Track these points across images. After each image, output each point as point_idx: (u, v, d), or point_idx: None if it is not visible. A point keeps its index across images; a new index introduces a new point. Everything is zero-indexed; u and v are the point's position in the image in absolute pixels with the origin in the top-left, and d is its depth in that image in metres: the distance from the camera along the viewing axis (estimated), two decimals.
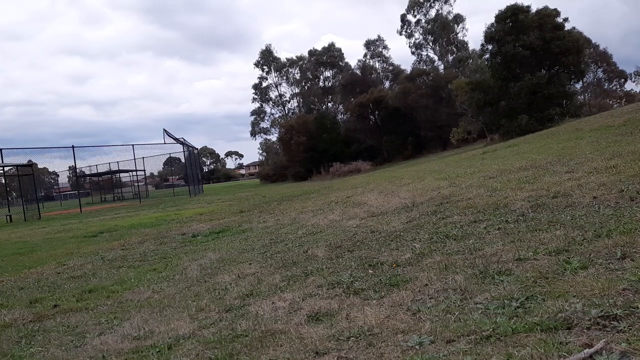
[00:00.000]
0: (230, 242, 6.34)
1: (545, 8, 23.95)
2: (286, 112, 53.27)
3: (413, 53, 47.69)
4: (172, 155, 39.38)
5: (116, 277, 4.87)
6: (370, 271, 3.34)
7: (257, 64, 52.19)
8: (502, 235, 3.54)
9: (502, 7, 24.79)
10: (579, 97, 32.54)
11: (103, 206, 24.49)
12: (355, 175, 26.40)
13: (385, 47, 48.94)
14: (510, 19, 23.95)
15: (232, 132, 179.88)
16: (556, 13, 23.88)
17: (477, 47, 32.39)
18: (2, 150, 18.42)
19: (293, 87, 52.90)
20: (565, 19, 24.08)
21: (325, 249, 4.44)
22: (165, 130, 25.55)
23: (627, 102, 33.04)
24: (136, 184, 33.99)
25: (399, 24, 48.83)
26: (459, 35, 45.52)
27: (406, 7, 45.68)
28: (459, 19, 44.87)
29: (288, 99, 53.34)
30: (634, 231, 2.81)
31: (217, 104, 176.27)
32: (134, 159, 26.38)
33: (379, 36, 49.84)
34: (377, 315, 2.38)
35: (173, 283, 4.22)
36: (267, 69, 52.16)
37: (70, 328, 3.22)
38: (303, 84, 52.27)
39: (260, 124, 53.66)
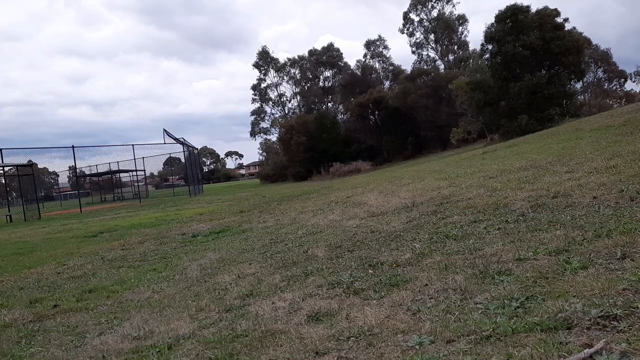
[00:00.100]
0: (230, 242, 6.34)
1: (545, 8, 23.96)
2: (286, 112, 53.31)
3: (414, 52, 47.83)
4: (172, 155, 39.43)
5: (116, 277, 4.87)
6: (370, 271, 3.34)
7: (255, 65, 52.26)
8: (502, 235, 3.54)
9: (502, 7, 24.85)
10: (579, 97, 32.57)
11: (103, 206, 24.49)
12: (355, 175, 26.41)
13: (385, 47, 49.05)
14: (510, 19, 23.95)
15: (231, 132, 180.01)
16: (556, 13, 23.89)
17: (477, 47, 32.48)
18: (2, 150, 18.43)
19: (293, 87, 52.98)
20: (566, 19, 24.13)
21: (325, 249, 4.44)
22: (165, 130, 25.58)
23: (627, 102, 33.07)
24: (136, 184, 33.99)
25: (396, 24, 49.08)
26: (461, 35, 45.61)
27: (409, 5, 45.79)
28: (461, 19, 44.93)
29: (288, 98, 53.44)
30: (634, 231, 2.81)
31: (215, 104, 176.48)
32: (134, 159, 26.40)
33: (379, 36, 50.09)
34: (377, 315, 2.38)
35: (173, 283, 4.22)
36: (265, 70, 52.19)
37: (70, 328, 3.22)
38: (303, 84, 52.30)
39: (260, 124, 53.71)
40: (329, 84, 51.38)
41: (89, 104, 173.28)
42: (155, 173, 52.31)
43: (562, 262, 2.59)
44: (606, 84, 41.26)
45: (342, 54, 50.76)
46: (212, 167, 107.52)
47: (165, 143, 26.48)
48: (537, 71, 23.71)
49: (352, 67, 48.97)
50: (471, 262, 2.98)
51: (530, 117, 22.63)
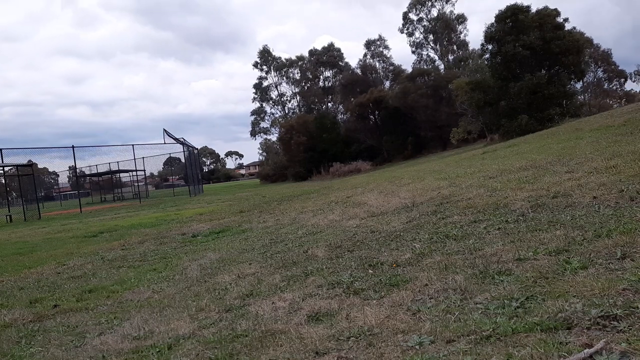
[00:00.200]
0: (230, 242, 6.34)
1: (545, 8, 23.97)
2: (286, 111, 53.32)
3: (413, 52, 47.80)
4: (172, 155, 39.43)
5: (116, 277, 4.87)
6: (370, 271, 3.34)
7: (255, 65, 52.27)
8: (502, 235, 3.54)
9: (502, 7, 24.85)
10: (579, 97, 32.55)
11: (103, 206, 24.49)
12: (355, 175, 26.41)
13: (385, 47, 48.98)
14: (510, 18, 23.95)
15: (230, 132, 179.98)
16: (556, 13, 23.89)
17: (477, 47, 32.46)
18: (2, 150, 18.43)
19: (293, 86, 52.99)
20: (566, 19, 24.13)
21: (325, 249, 4.44)
22: (165, 130, 25.58)
23: (627, 102, 33.06)
24: (136, 184, 34.00)
25: (393, 25, 49.31)
26: (460, 35, 45.61)
27: (408, 4, 45.78)
28: (460, 18, 44.93)
29: (288, 98, 53.44)
30: (634, 231, 2.81)
31: (214, 104, 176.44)
32: (134, 159, 26.40)
33: (379, 36, 50.01)
34: (377, 315, 2.38)
35: (173, 283, 4.22)
36: (266, 69, 52.21)
37: (70, 328, 3.22)
38: (303, 83, 52.30)
39: (260, 123, 53.73)
40: (329, 84, 51.38)
41: (87, 104, 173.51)
42: (155, 173, 52.32)
43: (562, 262, 2.59)
44: (606, 84, 41.25)
45: (342, 53, 50.84)
46: (212, 167, 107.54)
47: (165, 143, 26.51)
48: (537, 71, 23.72)
49: (352, 67, 49.06)
50: (471, 262, 2.98)
51: (530, 117, 22.63)
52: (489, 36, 24.99)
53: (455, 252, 3.36)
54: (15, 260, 6.88)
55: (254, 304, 3.06)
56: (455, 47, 46.32)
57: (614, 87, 41.29)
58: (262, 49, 52.04)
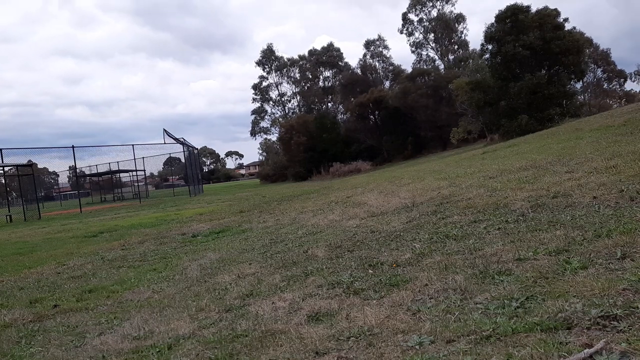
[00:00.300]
0: (230, 242, 6.34)
1: (545, 8, 23.97)
2: (286, 111, 53.31)
3: (413, 52, 47.75)
4: (172, 155, 39.45)
5: (116, 277, 4.87)
6: (370, 271, 3.34)
7: (258, 63, 52.22)
8: (502, 235, 3.54)
9: (502, 7, 24.85)
10: (579, 97, 32.55)
11: (103, 206, 24.49)
12: (355, 175, 26.41)
13: (385, 47, 48.95)
14: (510, 18, 23.95)
15: (229, 132, 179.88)
16: (556, 13, 23.90)
17: (477, 47, 32.46)
18: (2, 150, 18.43)
19: (293, 86, 53.00)
20: (566, 19, 24.14)
21: (325, 249, 4.44)
22: (165, 130, 25.57)
23: (627, 102, 33.08)
24: (136, 184, 34.00)
25: (391, 25, 49.26)
26: (460, 34, 45.58)
27: (408, 4, 45.76)
28: (460, 18, 44.92)
29: (288, 98, 53.43)
30: (634, 231, 2.81)
31: (213, 104, 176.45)
32: (134, 159, 26.39)
33: (379, 36, 49.87)
34: (377, 315, 2.38)
35: (173, 283, 4.22)
36: (268, 69, 52.23)
37: (70, 328, 3.22)
38: (303, 83, 52.29)
39: (260, 123, 53.72)
40: (329, 84, 51.37)
41: (85, 105, 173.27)
42: (155, 173, 52.34)
43: (562, 262, 2.59)
44: (606, 84, 41.27)
45: (342, 53, 50.85)
46: (212, 167, 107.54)
47: (165, 143, 26.49)
48: (537, 71, 23.72)
49: (352, 67, 49.04)
50: (471, 262, 2.98)
51: (530, 117, 22.63)
52: (489, 36, 24.99)
53: (455, 252, 3.36)
54: (15, 260, 6.88)
55: (254, 304, 3.06)
56: (455, 47, 46.32)
57: (614, 87, 41.32)
58: (266, 47, 52.16)
